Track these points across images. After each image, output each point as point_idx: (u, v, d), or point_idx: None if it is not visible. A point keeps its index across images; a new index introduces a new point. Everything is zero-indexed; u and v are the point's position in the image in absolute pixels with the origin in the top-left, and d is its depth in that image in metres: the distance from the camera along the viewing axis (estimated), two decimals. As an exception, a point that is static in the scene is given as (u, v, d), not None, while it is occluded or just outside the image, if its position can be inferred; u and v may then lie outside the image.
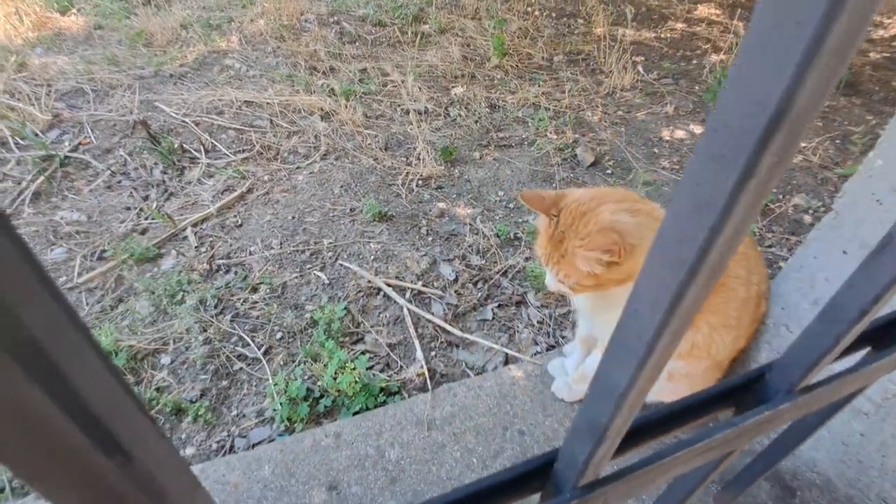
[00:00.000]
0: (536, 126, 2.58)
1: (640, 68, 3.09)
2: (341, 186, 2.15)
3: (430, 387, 1.31)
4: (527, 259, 1.76)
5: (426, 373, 1.35)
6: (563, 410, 1.22)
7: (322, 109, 2.68)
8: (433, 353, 1.43)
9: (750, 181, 0.19)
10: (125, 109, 2.66)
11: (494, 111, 2.76)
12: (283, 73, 3.05)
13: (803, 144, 2.41)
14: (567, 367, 1.27)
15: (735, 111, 0.19)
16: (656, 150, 2.39)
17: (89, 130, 2.48)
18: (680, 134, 2.50)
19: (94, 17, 3.73)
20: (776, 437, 0.76)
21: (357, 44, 3.47)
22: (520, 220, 2.00)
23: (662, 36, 3.56)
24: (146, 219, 1.96)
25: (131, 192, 2.14)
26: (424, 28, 3.68)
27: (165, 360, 1.38)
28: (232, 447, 1.19)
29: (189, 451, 1.19)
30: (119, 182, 2.19)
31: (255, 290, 1.57)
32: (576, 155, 2.33)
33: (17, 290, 0.13)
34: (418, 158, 2.34)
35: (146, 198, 2.12)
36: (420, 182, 2.20)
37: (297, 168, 2.30)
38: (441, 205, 2.07)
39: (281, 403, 1.24)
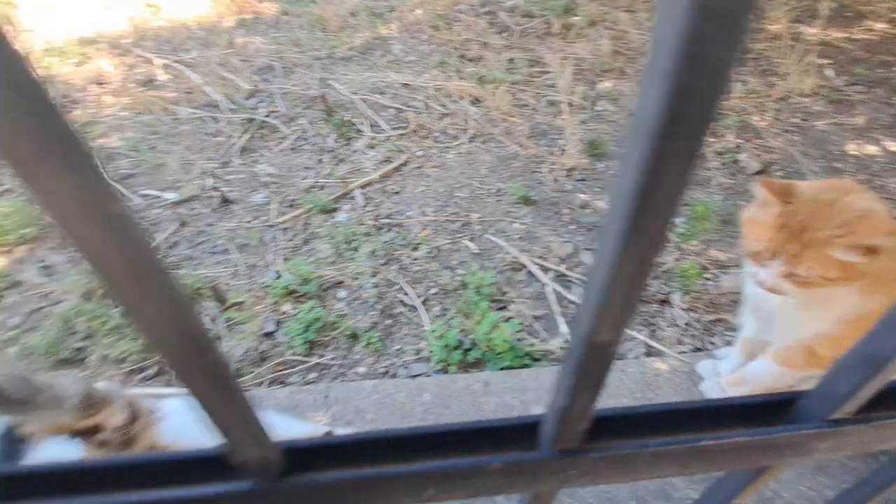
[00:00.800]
0: (690, 127, 2.46)
1: (827, 72, 2.75)
2: (488, 168, 2.29)
3: (572, 360, 1.38)
4: (676, 260, 1.73)
5: (568, 347, 1.42)
6: (711, 408, 1.22)
7: (471, 95, 2.85)
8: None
9: None
10: (305, 85, 3.09)
11: (643, 108, 2.69)
12: (436, 59, 3.28)
13: None
14: (720, 370, 1.25)
15: None
16: (838, 166, 2.14)
17: (278, 101, 2.93)
18: (871, 149, 2.21)
19: (283, 3, 4.34)
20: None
21: (506, 34, 3.59)
22: (666, 219, 1.95)
23: (857, 37, 3.11)
24: (323, 178, 2.29)
25: (310, 155, 2.51)
26: (574, 20, 3.66)
27: (342, 293, 1.64)
28: (395, 374, 1.40)
29: (361, 369, 1.42)
30: (301, 146, 2.57)
31: (416, 248, 1.77)
32: (737, 160, 2.19)
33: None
34: (562, 150, 2.38)
35: (320, 161, 2.47)
36: (563, 172, 2.25)
37: (447, 147, 2.49)
38: (584, 196, 2.10)
39: (436, 348, 1.41)
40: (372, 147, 2.53)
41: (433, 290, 1.64)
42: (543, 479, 0.39)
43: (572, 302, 1.60)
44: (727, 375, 1.21)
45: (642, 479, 0.45)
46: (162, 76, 3.09)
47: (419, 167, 2.35)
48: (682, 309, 1.56)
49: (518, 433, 0.40)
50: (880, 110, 2.45)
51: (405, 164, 2.38)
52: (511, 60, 3.22)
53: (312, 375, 1.41)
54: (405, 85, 3.00)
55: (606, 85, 2.89)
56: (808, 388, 0.46)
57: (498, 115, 2.66)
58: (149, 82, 3.04)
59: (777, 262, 0.87)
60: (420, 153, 2.45)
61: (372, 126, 2.67)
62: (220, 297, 1.58)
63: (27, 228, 1.84)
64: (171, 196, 2.13)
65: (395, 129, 2.65)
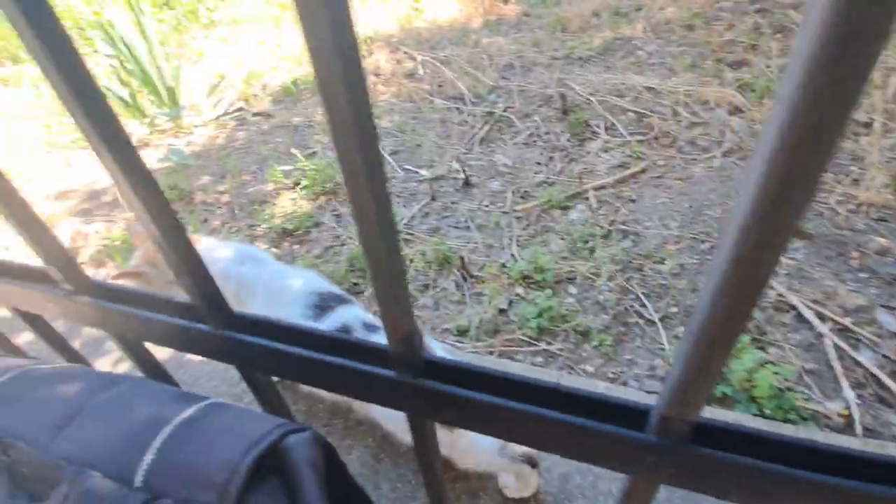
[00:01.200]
0: None
1: None
2: (747, 188, 2.01)
3: (859, 434, 1.13)
4: None
5: (855, 417, 1.17)
6: None
7: (731, 104, 2.53)
8: (859, 402, 1.22)
9: None
10: (542, 84, 3.19)
11: None
12: (687, 62, 3.01)
13: None
14: None
15: None
16: None
17: (515, 97, 3.11)
18: None
19: (525, 5, 4.56)
20: None
21: (782, 34, 3.06)
22: None
23: None
24: (554, 175, 2.35)
25: (541, 152, 2.60)
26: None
27: (573, 290, 1.67)
28: (625, 384, 1.36)
29: (588, 367, 1.43)
30: (534, 142, 2.68)
31: (659, 261, 1.68)
32: None
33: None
34: (856, 180, 1.94)
35: (551, 158, 2.54)
36: (854, 206, 1.83)
37: (694, 160, 2.27)
38: (882, 240, 1.67)
39: (679, 370, 1.32)
40: (606, 150, 2.48)
41: (674, 309, 1.54)
42: (643, 462, 0.39)
43: (859, 364, 1.30)
44: None
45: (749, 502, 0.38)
46: (421, 70, 3.59)
47: (659, 177, 2.21)
48: None
49: (629, 413, 0.40)
50: None
51: (643, 171, 2.26)
52: (786, 67, 2.74)
53: (538, 359, 1.48)
54: (649, 88, 2.84)
55: (936, 103, 2.22)
56: None
57: (764, 130, 2.30)
58: (411, 75, 3.57)
59: None
60: (661, 162, 2.29)
61: (607, 129, 2.62)
62: (465, 268, 1.78)
63: (327, 183, 2.38)
64: (425, 173, 2.47)
65: (633, 133, 2.54)
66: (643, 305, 1.56)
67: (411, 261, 1.90)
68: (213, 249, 1.18)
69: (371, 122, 0.30)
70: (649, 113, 2.62)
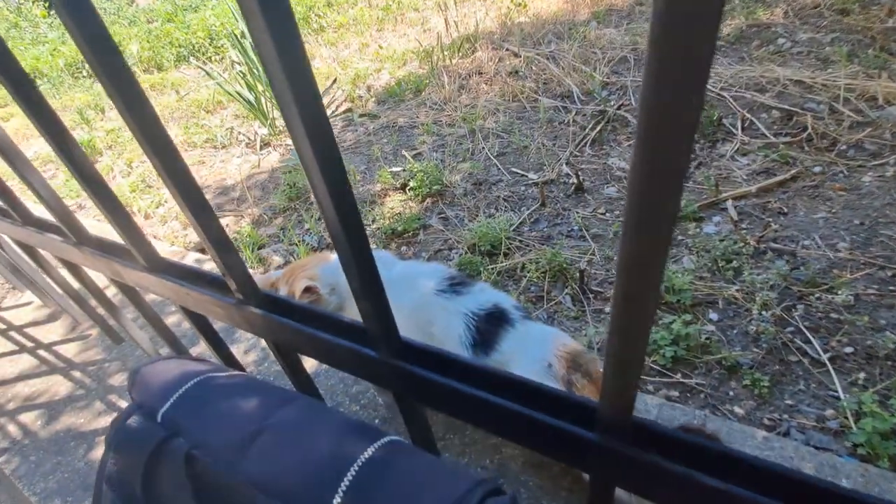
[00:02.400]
0: None
1: None
2: (942, 203, 1.65)
3: None
4: None
5: None
6: None
7: (911, 100, 2.10)
8: None
9: None
10: (661, 78, 2.91)
11: None
12: (843, 50, 2.56)
13: None
14: None
15: None
16: None
17: (630, 94, 2.87)
18: None
19: (638, -7, 4.22)
20: None
21: (982, 14, 2.49)
22: None
23: None
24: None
25: (663, 154, 2.37)
26: None
27: (714, 316, 1.48)
28: (787, 433, 1.17)
29: (737, 409, 1.25)
30: (655, 143, 2.46)
31: (828, 290, 1.43)
32: None
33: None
34: None
35: (675, 161, 2.30)
36: None
37: (861, 166, 1.92)
38: None
39: (864, 427, 1.10)
40: (745, 154, 2.19)
41: (849, 350, 1.29)
42: (589, 459, 0.43)
43: None
44: None
45: None
46: (525, 68, 3.47)
47: (815, 186, 1.90)
48: None
49: (582, 411, 0.44)
50: None
51: (793, 179, 1.96)
52: None
53: (673, 393, 1.33)
54: (797, 82, 2.46)
55: None
56: None
57: (963, 131, 1.88)
58: (514, 73, 3.47)
59: None
60: (817, 169, 1.97)
61: (745, 128, 2.31)
62: (584, 282, 1.67)
63: (434, 186, 2.38)
64: (533, 176, 2.38)
65: (777, 134, 2.22)
66: (808, 342, 1.33)
67: (524, 270, 1.82)
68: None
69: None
70: (799, 111, 2.27)
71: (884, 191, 1.78)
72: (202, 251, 2.41)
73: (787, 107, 2.32)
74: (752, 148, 2.19)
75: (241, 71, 3.48)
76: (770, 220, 1.78)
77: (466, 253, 1.97)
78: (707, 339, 1.41)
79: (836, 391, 1.21)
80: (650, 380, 1.38)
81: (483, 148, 2.68)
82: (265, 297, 0.75)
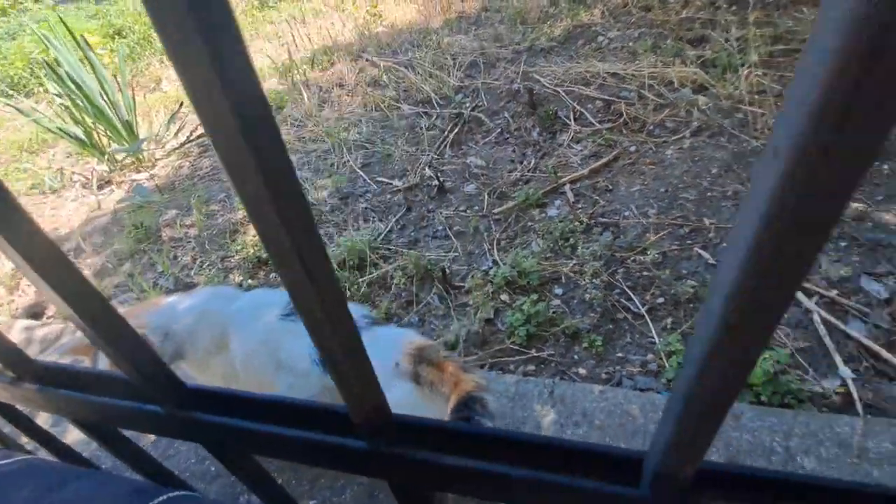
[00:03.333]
0: None
1: None
2: (720, 166, 2.01)
3: (860, 411, 1.13)
4: None
5: (853, 394, 1.16)
6: None
7: (694, 82, 2.53)
8: (855, 377, 1.22)
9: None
10: (508, 79, 3.16)
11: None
12: (648, 43, 3.01)
13: None
14: None
15: None
16: None
17: (483, 95, 3.07)
18: None
19: (482, 0, 4.52)
20: None
21: (736, 7, 3.08)
22: None
23: None
24: (528, 171, 2.33)
25: (514, 148, 2.57)
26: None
27: (559, 290, 1.64)
28: (619, 383, 1.34)
29: (581, 370, 1.40)
30: (506, 139, 2.65)
31: (641, 252, 1.66)
32: None
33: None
34: (823, 145, 1.94)
35: (525, 154, 2.51)
36: (826, 173, 1.83)
37: (665, 142, 2.27)
38: (859, 206, 1.68)
39: (671, 364, 1.30)
40: (578, 141, 2.46)
41: (661, 300, 1.52)
42: None
43: (850, 337, 1.30)
44: None
45: None
46: (385, 77, 3.52)
47: (632, 163, 2.20)
48: None
49: (620, 464, 0.37)
50: None
51: (616, 159, 2.25)
52: (745, 39, 2.75)
53: (530, 367, 1.45)
54: (613, 74, 2.82)
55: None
56: None
57: (731, 105, 2.31)
58: (375, 83, 3.51)
59: None
60: (633, 148, 2.28)
61: (576, 119, 2.60)
62: (447, 281, 1.74)
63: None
64: (398, 183, 2.42)
65: (601, 121, 2.52)
66: (630, 299, 1.54)
67: (392, 277, 1.85)
68: (179, 304, 1.13)
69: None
70: (616, 99, 2.60)
71: (682, 161, 2.12)
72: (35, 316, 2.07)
73: (606, 97, 2.65)
74: (584, 135, 2.47)
75: (62, 104, 3.05)
76: (598, 197, 2.02)
77: (336, 270, 1.95)
78: (554, 312, 1.56)
79: (654, 338, 1.41)
80: (510, 360, 1.49)
81: (347, 161, 2.67)
82: (45, 370, 0.66)
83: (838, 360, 1.24)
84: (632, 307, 1.51)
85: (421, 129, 2.88)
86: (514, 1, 4.20)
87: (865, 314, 1.34)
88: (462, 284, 1.77)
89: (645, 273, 1.60)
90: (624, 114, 2.47)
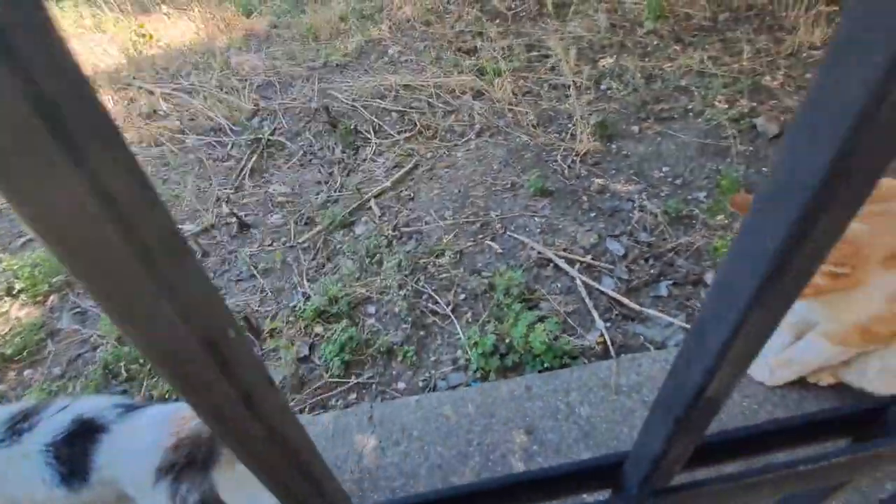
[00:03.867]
0: (703, 95, 2.38)
1: (839, 20, 2.64)
2: (499, 162, 2.25)
3: (613, 354, 1.37)
4: (704, 237, 1.69)
5: (607, 340, 1.40)
6: (764, 394, 1.19)
7: (472, 89, 2.80)
8: (609, 325, 1.48)
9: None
10: (305, 98, 3.07)
11: (651, 81, 2.61)
12: (432, 55, 3.23)
13: None
14: (763, 351, 1.22)
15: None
16: (862, 118, 2.06)
17: (281, 117, 2.92)
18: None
19: (272, 17, 4.31)
20: None
21: (499, 20, 3.51)
22: (689, 196, 1.90)
23: (866, -21, 2.97)
24: (335, 191, 2.29)
25: (319, 169, 2.50)
26: (568, -2, 3.57)
27: (372, 309, 1.64)
28: (435, 386, 1.39)
29: (400, 385, 1.42)
30: (310, 160, 2.57)
31: (439, 255, 1.76)
32: (755, 126, 2.12)
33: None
34: (571, 135, 2.33)
35: (331, 173, 2.46)
36: (576, 158, 2.21)
37: (455, 146, 2.46)
38: (600, 181, 2.06)
39: (474, 356, 1.40)
40: (380, 154, 2.51)
41: (462, 297, 1.63)
42: None
43: (603, 293, 1.58)
44: (774, 356, 1.18)
45: None
46: (164, 106, 3.10)
47: (430, 169, 2.33)
48: (718, 288, 1.53)
49: (598, 474, 0.40)
50: None
51: (415, 167, 2.36)
52: (508, 47, 3.15)
53: (353, 396, 1.42)
54: (405, 86, 2.96)
55: (608, 62, 2.81)
56: None
57: (502, 107, 2.61)
58: (153, 114, 3.06)
59: None
60: (429, 154, 2.42)
61: (377, 132, 2.65)
62: (253, 327, 1.59)
63: (57, 276, 1.88)
64: (190, 227, 2.14)
65: (399, 132, 2.62)
66: (436, 302, 1.62)
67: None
68: None
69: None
70: (409, 109, 2.73)
71: (470, 161, 2.32)
72: None
73: (401, 108, 2.76)
74: (385, 147, 2.53)
75: None
76: (402, 207, 2.09)
77: (116, 346, 1.63)
78: (370, 333, 1.55)
79: (459, 334, 1.50)
80: (331, 394, 1.43)
81: (122, 211, 2.26)
82: None
83: (595, 315, 1.48)
84: (438, 310, 1.59)
85: (216, 160, 2.60)
86: (305, 18, 4.10)
87: (612, 271, 1.64)
88: (276, 325, 1.64)
89: (445, 274, 1.70)
90: (418, 123, 2.60)
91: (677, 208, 1.81)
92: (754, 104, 2.25)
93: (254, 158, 2.56)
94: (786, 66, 2.46)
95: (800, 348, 1.11)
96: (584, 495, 0.39)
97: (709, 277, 1.57)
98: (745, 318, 0.24)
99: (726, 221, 1.75)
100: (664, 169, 2.06)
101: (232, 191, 2.36)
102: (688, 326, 1.42)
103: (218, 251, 2.03)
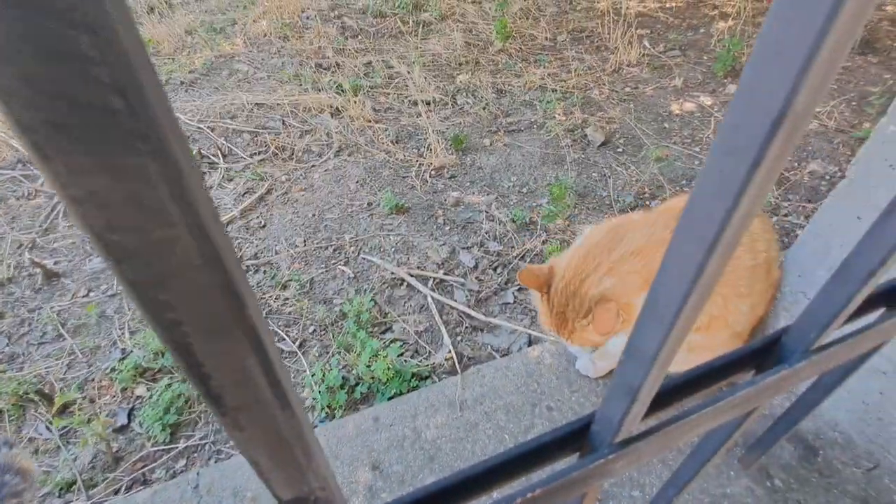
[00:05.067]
0: (544, 108, 2.58)
1: (645, 42, 3.05)
2: (357, 182, 2.20)
3: (458, 370, 1.37)
4: (543, 242, 1.80)
5: (454, 357, 1.41)
6: (589, 386, 1.28)
7: (331, 106, 2.72)
8: (459, 338, 1.49)
9: (759, 170, 0.23)
10: (142, 120, 2.73)
11: (501, 96, 2.77)
12: (289, 72, 3.09)
13: (818, 109, 2.37)
14: (582, 351, 1.32)
15: (745, 113, 0.23)
16: (666, 126, 2.38)
17: (110, 143, 2.55)
18: (689, 106, 2.49)
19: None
20: (797, 398, 0.80)
21: (360, 37, 3.49)
22: (534, 204, 2.03)
23: (667, 6, 3.50)
24: (174, 225, 2.04)
25: (157, 201, 2.22)
26: (425, 16, 3.67)
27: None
28: (278, 435, 1.28)
29: (239, 440, 1.27)
30: (144, 191, 2.27)
31: (285, 287, 1.64)
32: (586, 135, 2.34)
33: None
34: (429, 149, 2.37)
35: (171, 205, 2.20)
36: (433, 172, 2.24)
37: (313, 167, 2.35)
38: (455, 194, 2.11)
39: (319, 392, 1.31)
40: (230, 179, 2.31)
41: (311, 329, 1.53)
42: (601, 476, 0.42)
43: (453, 308, 1.59)
44: (593, 352, 1.28)
45: (680, 444, 0.51)
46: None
47: (285, 193, 2.19)
48: (557, 290, 1.63)
49: (562, 444, 0.43)
50: (693, 70, 2.78)
51: (269, 192, 2.20)
52: (369, 64, 3.14)
53: (181, 463, 1.24)
54: (258, 104, 2.78)
55: (464, 77, 2.93)
56: (787, 326, 0.50)
57: (361, 124, 2.57)
58: (-71, 146, 2.48)
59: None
60: (284, 177, 2.28)
61: (226, 156, 2.44)
62: (49, 400, 1.33)
63: None
64: (-26, 285, 1.75)
65: (252, 154, 2.44)
66: (282, 339, 1.50)
67: (-42, 428, 1.30)
68: None
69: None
70: (263, 130, 2.56)
71: (327, 182, 2.23)
72: None
73: (253, 128, 2.58)
74: (235, 172, 2.33)
75: None
76: (251, 237, 1.92)
77: None
78: (203, 385, 1.38)
79: (306, 370, 1.40)
80: (157, 464, 1.23)
81: None
82: None
83: (444, 332, 1.49)
84: (284, 347, 1.48)
85: (19, 198, 2.18)
86: (141, 30, 3.67)
87: (463, 283, 1.67)
88: (84, 393, 1.38)
89: (291, 308, 1.59)
90: (272, 144, 2.45)
91: (522, 216, 1.92)
92: (586, 116, 2.49)
93: (71, 193, 2.19)
94: (610, 81, 2.77)
95: (611, 342, 1.21)
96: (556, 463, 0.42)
97: (550, 280, 1.67)
98: (689, 290, 0.28)
99: (564, 223, 1.88)
100: (512, 178, 2.18)
101: (38, 234, 1.98)
102: (531, 332, 1.49)
103: (16, 310, 1.68)
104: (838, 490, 1.01)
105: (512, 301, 1.61)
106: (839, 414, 1.10)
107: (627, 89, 2.68)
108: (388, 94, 2.85)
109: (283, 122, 2.62)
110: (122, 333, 1.55)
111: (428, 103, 2.72)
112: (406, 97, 2.82)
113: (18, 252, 1.90)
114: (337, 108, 2.70)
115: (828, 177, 1.98)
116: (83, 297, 1.72)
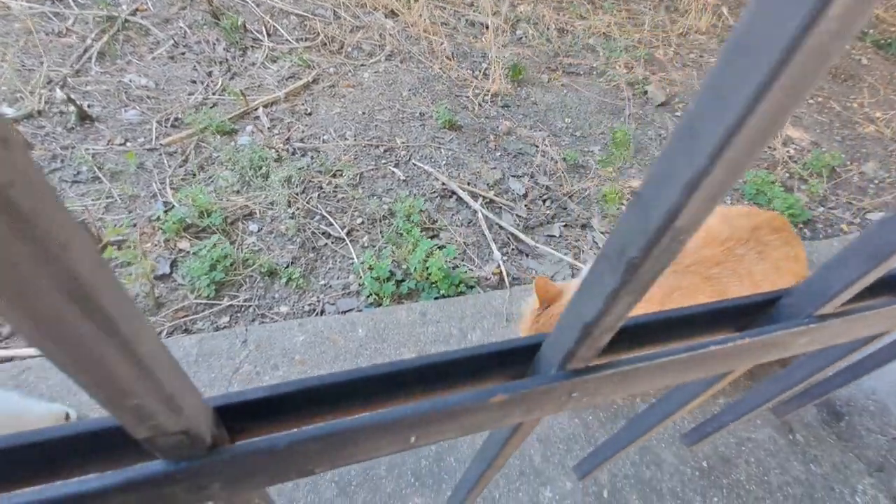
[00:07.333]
0: (607, 56, 2.48)
1: (724, 9, 2.92)
2: (409, 90, 2.11)
3: (507, 285, 1.40)
4: (597, 185, 1.79)
5: (503, 271, 1.43)
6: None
7: (386, 7, 2.55)
8: (505, 258, 1.50)
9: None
10: (180, -22, 2.51)
11: (563, 35, 2.65)
12: (344, -39, 2.85)
13: (877, 115, 2.36)
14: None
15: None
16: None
17: (144, -6, 2.35)
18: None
19: None
20: (843, 368, 0.81)
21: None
22: (586, 149, 2.00)
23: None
24: (214, 94, 1.94)
25: (195, 66, 2.09)
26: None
27: (254, 226, 1.44)
28: (323, 311, 1.29)
29: (283, 309, 1.28)
30: (182, 54, 2.13)
31: (335, 175, 1.60)
32: (646, 92, 2.28)
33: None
34: (485, 74, 2.27)
35: (210, 73, 2.07)
36: (487, 97, 2.16)
37: (362, 65, 2.24)
38: (507, 123, 2.05)
39: (367, 280, 1.32)
40: (274, 60, 2.18)
41: (359, 220, 1.52)
42: (546, 404, 0.35)
43: (502, 227, 1.59)
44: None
45: (642, 391, 0.40)
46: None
47: (332, 85, 2.09)
48: (602, 232, 1.64)
49: (511, 358, 0.36)
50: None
51: (315, 81, 2.09)
52: (429, -28, 2.92)
53: (224, 320, 1.25)
54: (309, -12, 2.58)
55: (525, 8, 2.77)
56: (789, 288, 0.45)
57: (417, 32, 2.43)
58: (-57, -46, 2.23)
59: None
60: (332, 70, 2.17)
61: (270, 35, 2.29)
62: (92, 235, 1.29)
63: None
64: (7, 111, 1.64)
65: (299, 39, 2.30)
66: (330, 224, 1.48)
67: None
68: None
69: None
70: (312, 16, 2.40)
71: (378, 83, 2.13)
72: None
73: (301, 12, 2.41)
74: (280, 54, 2.19)
75: None
76: (297, 122, 1.85)
77: None
78: (249, 252, 1.37)
79: (353, 258, 1.40)
80: (198, 316, 1.24)
81: None
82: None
83: (494, 247, 1.50)
84: (332, 232, 1.46)
85: (49, 34, 2.02)
86: None
87: (512, 208, 1.66)
88: (117, 232, 1.35)
89: (342, 196, 1.56)
90: (321, 33, 2.30)
91: (574, 157, 1.89)
92: (647, 73, 2.42)
93: (104, 39, 2.04)
94: (676, 43, 2.67)
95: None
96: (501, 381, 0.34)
97: (595, 223, 1.68)
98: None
99: (614, 173, 1.87)
100: (566, 119, 2.12)
101: (71, 73, 1.86)
102: (576, 262, 1.51)
103: (46, 144, 1.60)
104: (854, 454, 1.09)
105: (557, 235, 1.62)
106: (878, 384, 1.17)
107: (692, 55, 2.59)
108: (447, 7, 2.68)
109: (335, 13, 2.46)
110: (164, 188, 1.50)
111: (486, 26, 2.57)
112: (464, 16, 2.66)
113: (49, 87, 1.78)
114: (392, 11, 2.54)
115: (877, 181, 2.00)
116: (119, 145, 1.64)
